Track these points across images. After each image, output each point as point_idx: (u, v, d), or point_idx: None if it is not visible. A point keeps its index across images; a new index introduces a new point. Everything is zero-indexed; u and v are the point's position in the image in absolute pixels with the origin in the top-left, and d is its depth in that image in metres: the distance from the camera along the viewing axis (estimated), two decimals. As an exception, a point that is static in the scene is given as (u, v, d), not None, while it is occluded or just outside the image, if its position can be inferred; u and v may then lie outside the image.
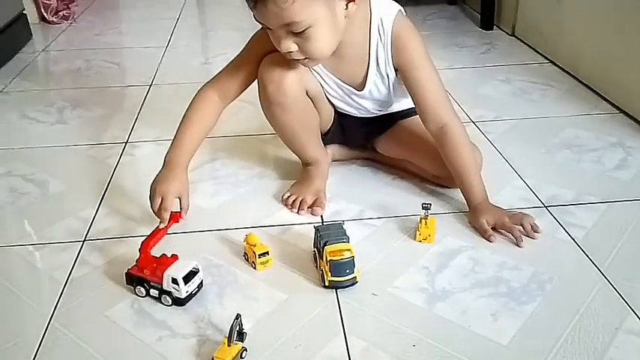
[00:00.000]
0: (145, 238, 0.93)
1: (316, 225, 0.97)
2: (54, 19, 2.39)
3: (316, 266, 0.94)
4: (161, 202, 0.98)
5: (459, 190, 1.09)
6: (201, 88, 1.08)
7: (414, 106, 1.15)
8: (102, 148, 1.37)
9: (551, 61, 1.80)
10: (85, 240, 1.04)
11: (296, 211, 1.10)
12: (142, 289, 0.90)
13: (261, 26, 0.96)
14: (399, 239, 1.02)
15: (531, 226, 1.01)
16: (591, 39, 1.59)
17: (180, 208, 1.01)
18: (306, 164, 1.18)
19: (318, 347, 0.80)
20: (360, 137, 1.21)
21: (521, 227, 1.00)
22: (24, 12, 2.18)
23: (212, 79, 1.08)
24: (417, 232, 1.00)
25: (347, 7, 0.94)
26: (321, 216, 1.09)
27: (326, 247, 0.89)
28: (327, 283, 0.90)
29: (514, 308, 0.86)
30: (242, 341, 0.79)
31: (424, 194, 1.13)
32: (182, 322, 0.85)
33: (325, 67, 1.07)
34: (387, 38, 1.02)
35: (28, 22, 2.21)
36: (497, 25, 2.13)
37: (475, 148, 1.11)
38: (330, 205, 1.12)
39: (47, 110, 1.59)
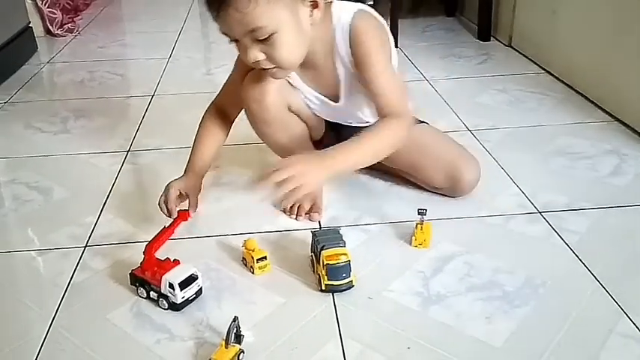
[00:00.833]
0: (150, 240, 0.96)
1: (313, 230, 0.98)
2: (59, 32, 2.43)
3: (313, 271, 0.96)
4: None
5: (454, 197, 1.11)
6: (207, 109, 1.15)
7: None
8: (104, 157, 1.40)
9: (547, 71, 1.82)
10: (86, 246, 1.06)
11: (294, 217, 1.12)
12: (144, 291, 0.91)
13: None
14: (395, 244, 1.03)
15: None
16: (586, 49, 1.61)
17: (189, 206, 1.07)
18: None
19: (314, 350, 0.81)
20: None
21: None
22: (30, 25, 2.22)
23: (215, 97, 1.15)
24: (413, 238, 1.02)
25: (312, 14, 0.95)
26: (319, 222, 1.11)
27: (323, 252, 0.91)
28: (323, 287, 0.91)
29: (507, 311, 0.87)
30: (239, 343, 0.80)
31: (420, 200, 1.15)
32: (181, 325, 0.87)
33: (303, 81, 1.09)
34: (346, 36, 1.00)
35: (33, 34, 2.25)
36: (494, 36, 2.16)
37: (469, 162, 1.12)
38: (328, 212, 1.14)
39: (51, 120, 1.62)
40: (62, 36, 2.43)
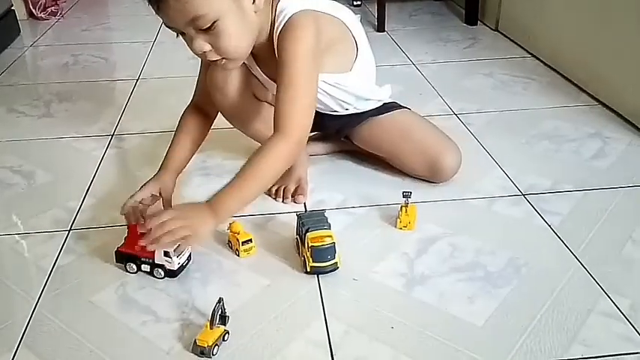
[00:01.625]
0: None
1: (298, 213, 0.99)
2: (42, 15, 2.39)
3: (298, 253, 0.96)
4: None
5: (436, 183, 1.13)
6: (185, 109, 1.13)
7: (383, 102, 1.16)
8: (88, 141, 1.39)
9: (533, 55, 1.83)
10: (70, 229, 1.06)
11: (280, 199, 1.12)
12: (133, 266, 0.93)
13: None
14: (381, 227, 1.04)
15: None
16: (572, 33, 1.62)
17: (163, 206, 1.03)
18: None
19: (299, 330, 0.82)
20: (334, 129, 1.21)
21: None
22: (12, 8, 2.18)
23: (192, 96, 1.14)
24: (398, 220, 1.03)
25: (254, 1, 0.92)
26: (305, 204, 1.11)
27: (308, 234, 0.91)
28: (308, 269, 0.92)
29: (490, 291, 0.88)
30: (224, 324, 0.81)
31: (406, 184, 1.15)
32: (166, 307, 0.87)
33: (263, 73, 1.07)
34: (279, 31, 0.96)
35: (16, 18, 2.21)
36: (481, 21, 2.16)
37: (448, 148, 1.12)
38: (314, 195, 1.14)
39: (34, 104, 1.60)
40: (45, 19, 2.39)
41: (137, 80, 1.75)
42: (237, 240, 0.96)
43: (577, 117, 1.43)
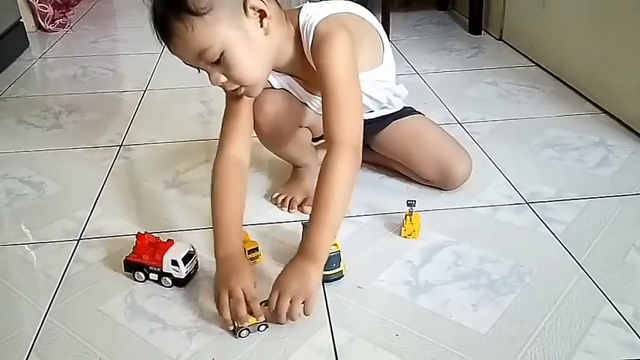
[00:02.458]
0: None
1: (304, 222, 1.00)
2: (50, 27, 2.43)
3: (304, 261, 0.97)
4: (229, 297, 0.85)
5: (445, 190, 1.13)
6: (215, 163, 0.99)
7: (406, 106, 1.18)
8: (97, 151, 1.41)
9: (537, 64, 1.84)
10: (79, 239, 1.07)
11: (286, 209, 1.13)
12: (142, 274, 0.94)
13: None
14: (385, 235, 1.05)
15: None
16: (575, 42, 1.63)
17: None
18: (296, 166, 1.21)
19: (304, 338, 0.83)
20: None
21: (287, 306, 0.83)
22: (21, 20, 2.21)
23: (219, 149, 1.00)
24: (402, 228, 1.04)
25: (262, 24, 0.90)
26: (310, 214, 1.12)
27: (313, 242, 0.92)
28: (314, 277, 0.92)
29: (494, 299, 0.89)
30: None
31: (410, 192, 1.17)
32: (173, 315, 0.88)
33: (302, 87, 1.07)
34: (309, 42, 0.95)
35: (25, 30, 2.25)
36: (485, 30, 2.18)
37: (461, 156, 1.13)
38: (319, 204, 1.15)
39: (44, 115, 1.63)
40: (54, 31, 2.43)
41: (144, 91, 1.77)
42: (244, 249, 0.97)
43: (581, 125, 1.44)
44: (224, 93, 1.00)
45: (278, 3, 0.96)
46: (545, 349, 0.80)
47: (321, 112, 0.96)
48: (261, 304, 0.84)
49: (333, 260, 0.92)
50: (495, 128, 1.44)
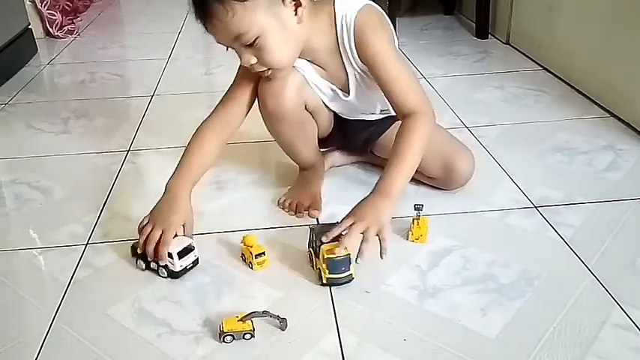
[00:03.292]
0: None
1: (311, 226, 1.00)
2: (59, 34, 2.44)
3: (312, 266, 0.97)
4: (161, 235, 0.95)
5: (450, 191, 1.12)
6: (201, 123, 1.08)
7: None
8: (105, 157, 1.41)
9: (544, 68, 1.83)
10: (87, 244, 1.08)
11: (293, 214, 1.13)
12: (142, 263, 0.97)
13: None
14: (393, 239, 1.04)
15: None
16: (583, 46, 1.62)
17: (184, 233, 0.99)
18: (302, 169, 1.22)
19: (312, 342, 0.83)
20: (360, 142, 1.23)
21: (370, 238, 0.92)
22: (29, 27, 2.23)
23: (211, 113, 1.09)
24: (410, 233, 1.03)
25: (296, 12, 0.96)
26: (317, 218, 1.12)
27: (322, 246, 0.92)
28: (324, 281, 0.92)
29: (503, 303, 0.88)
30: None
31: (417, 196, 1.16)
32: (180, 319, 0.88)
33: (318, 74, 1.10)
34: (350, 34, 1.01)
35: (33, 36, 2.26)
36: (492, 34, 2.17)
37: (464, 153, 1.14)
38: (326, 208, 1.15)
39: (52, 121, 1.64)
40: (62, 38, 2.44)
41: (152, 97, 1.78)
42: (251, 253, 0.97)
43: (589, 129, 1.43)
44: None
45: None
46: (555, 355, 0.79)
47: (327, 99, 1.11)
48: (249, 315, 0.83)
49: (343, 263, 0.92)
50: (503, 132, 1.44)
